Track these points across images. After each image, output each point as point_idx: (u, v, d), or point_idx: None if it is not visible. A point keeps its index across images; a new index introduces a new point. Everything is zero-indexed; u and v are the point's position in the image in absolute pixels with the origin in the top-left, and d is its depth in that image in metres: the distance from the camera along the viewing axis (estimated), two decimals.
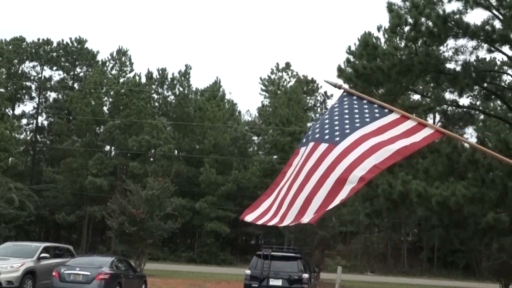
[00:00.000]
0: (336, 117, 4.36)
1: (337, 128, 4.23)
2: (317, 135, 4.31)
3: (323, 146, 4.11)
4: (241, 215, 4.31)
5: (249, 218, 4.18)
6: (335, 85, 4.68)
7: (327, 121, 4.40)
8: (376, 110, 4.33)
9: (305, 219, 3.81)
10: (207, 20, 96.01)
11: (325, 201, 3.80)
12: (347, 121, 4.25)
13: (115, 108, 53.70)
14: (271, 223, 4.03)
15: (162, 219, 28.74)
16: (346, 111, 4.37)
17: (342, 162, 3.89)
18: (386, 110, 4.32)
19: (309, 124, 47.24)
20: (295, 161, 4.32)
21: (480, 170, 14.71)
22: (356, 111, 4.34)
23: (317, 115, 55.29)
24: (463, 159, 14.84)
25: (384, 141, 3.95)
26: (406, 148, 3.91)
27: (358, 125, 4.15)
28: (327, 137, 4.19)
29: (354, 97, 4.55)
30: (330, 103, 54.73)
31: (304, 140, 4.47)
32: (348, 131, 4.12)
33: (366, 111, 4.33)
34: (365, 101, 4.46)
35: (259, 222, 4.10)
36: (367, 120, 4.20)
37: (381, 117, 4.22)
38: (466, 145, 15.36)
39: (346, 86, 4.72)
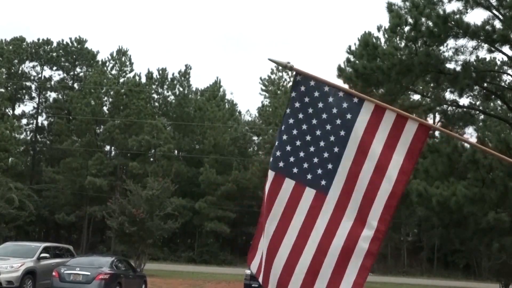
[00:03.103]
0: (304, 136, 3.73)
1: (315, 160, 3.67)
2: (282, 165, 3.80)
3: (310, 193, 3.64)
4: (248, 260, 4.08)
5: (253, 268, 3.93)
6: (285, 66, 3.76)
7: (290, 145, 3.78)
8: (345, 105, 3.66)
9: None
10: (207, 20, 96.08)
11: (333, 283, 3.49)
12: (321, 143, 3.66)
13: (115, 108, 53.69)
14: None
15: (162, 219, 28.74)
16: (314, 121, 3.71)
17: (342, 225, 3.52)
18: (356, 100, 3.68)
19: None
20: (270, 191, 3.86)
21: (481, 170, 14.71)
22: (324, 116, 3.68)
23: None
24: (463, 159, 14.84)
25: (375, 175, 3.51)
26: (404, 171, 3.52)
27: (336, 150, 3.61)
28: (309, 176, 3.66)
29: (312, 83, 3.77)
30: None
31: (271, 160, 3.90)
32: (330, 165, 3.61)
33: (335, 111, 3.66)
34: (326, 89, 3.73)
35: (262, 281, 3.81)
36: (342, 134, 3.62)
37: (355, 116, 3.63)
38: (467, 145, 15.36)
39: (296, 66, 3.81)
